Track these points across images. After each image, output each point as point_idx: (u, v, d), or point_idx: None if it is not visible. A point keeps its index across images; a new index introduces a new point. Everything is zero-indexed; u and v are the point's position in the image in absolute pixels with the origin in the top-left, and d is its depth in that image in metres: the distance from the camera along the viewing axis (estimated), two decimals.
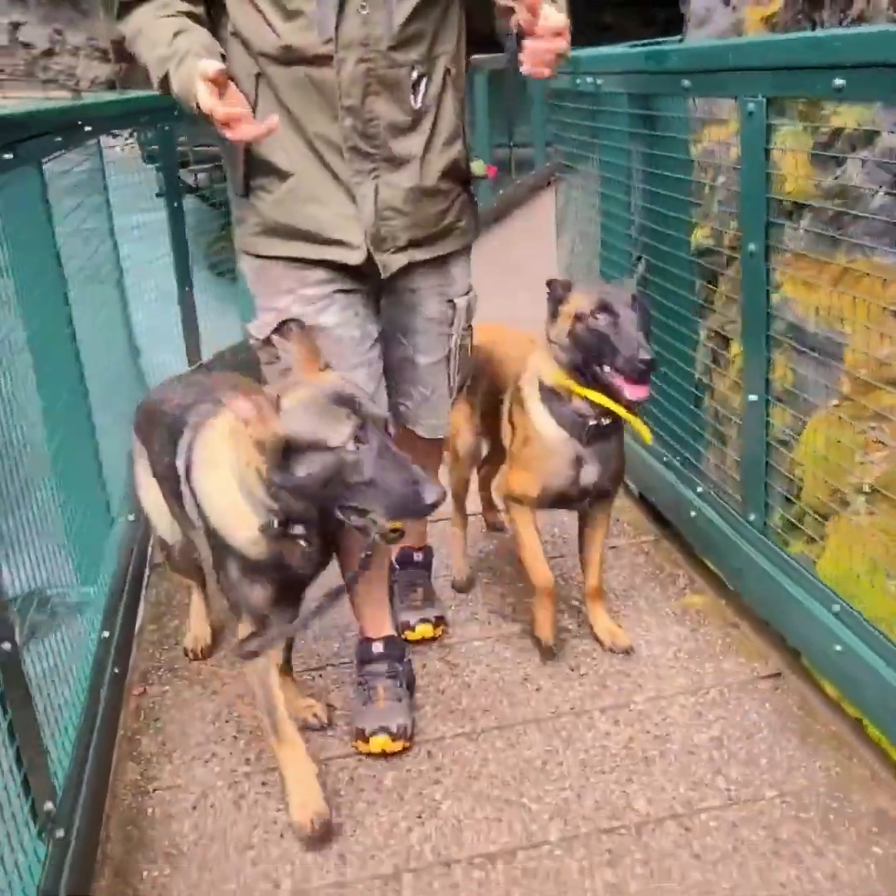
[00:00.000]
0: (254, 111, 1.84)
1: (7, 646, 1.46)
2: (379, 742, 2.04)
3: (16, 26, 45.48)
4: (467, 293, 2.21)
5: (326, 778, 1.98)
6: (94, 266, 3.08)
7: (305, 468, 1.62)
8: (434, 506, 1.63)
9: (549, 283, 2.17)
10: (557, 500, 2.25)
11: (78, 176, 2.93)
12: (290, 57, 1.82)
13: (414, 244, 2.01)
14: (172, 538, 2.30)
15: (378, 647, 2.15)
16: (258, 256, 2.00)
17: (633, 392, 2.03)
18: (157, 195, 6.88)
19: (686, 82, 2.29)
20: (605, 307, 2.05)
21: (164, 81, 1.80)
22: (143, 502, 2.31)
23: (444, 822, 1.85)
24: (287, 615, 1.88)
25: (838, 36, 1.72)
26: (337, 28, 1.79)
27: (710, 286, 3.28)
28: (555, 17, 1.71)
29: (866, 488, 2.54)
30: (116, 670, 2.15)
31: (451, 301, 2.17)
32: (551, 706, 2.14)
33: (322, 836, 1.81)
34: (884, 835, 1.73)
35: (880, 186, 3.26)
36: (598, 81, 2.87)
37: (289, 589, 1.85)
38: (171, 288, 4.03)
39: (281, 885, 1.75)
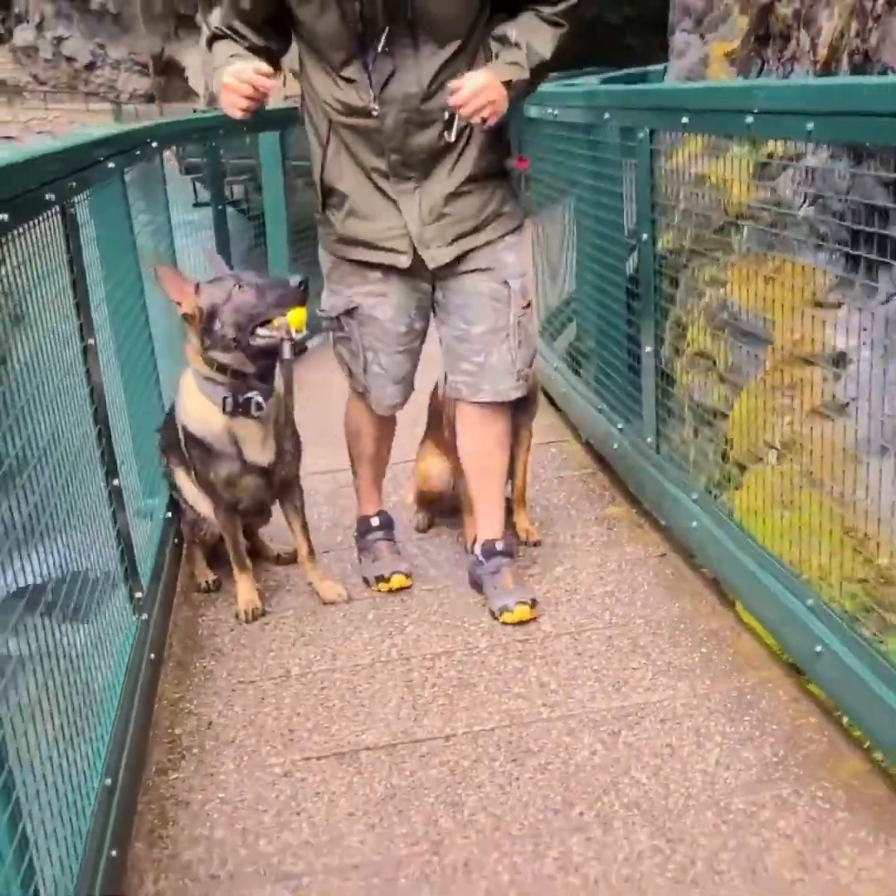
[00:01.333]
0: (326, 148, 2.50)
1: (116, 482, 2.24)
2: (398, 580, 2.82)
3: (59, 40, 46.91)
4: (523, 275, 2.63)
5: (325, 616, 2.75)
6: (158, 255, 3.87)
7: (220, 320, 2.47)
8: (302, 283, 2.46)
9: None
10: None
11: (145, 183, 3.72)
12: (348, 110, 2.45)
13: (462, 236, 2.51)
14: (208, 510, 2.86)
15: (375, 520, 2.93)
16: (334, 255, 2.67)
17: None
18: (195, 205, 7.70)
19: (607, 115, 3.06)
20: None
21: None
22: (190, 500, 2.89)
23: (407, 637, 2.62)
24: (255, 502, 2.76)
25: (683, 89, 2.49)
26: (381, 90, 2.38)
27: (672, 287, 4.00)
28: (470, 82, 2.29)
29: (777, 445, 3.28)
30: (176, 540, 2.94)
31: (505, 282, 2.57)
32: None
33: (253, 617, 2.73)
34: (710, 641, 2.48)
35: (804, 199, 4.03)
36: (555, 112, 3.65)
37: (248, 481, 2.68)
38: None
39: (291, 671, 2.52)
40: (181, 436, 2.69)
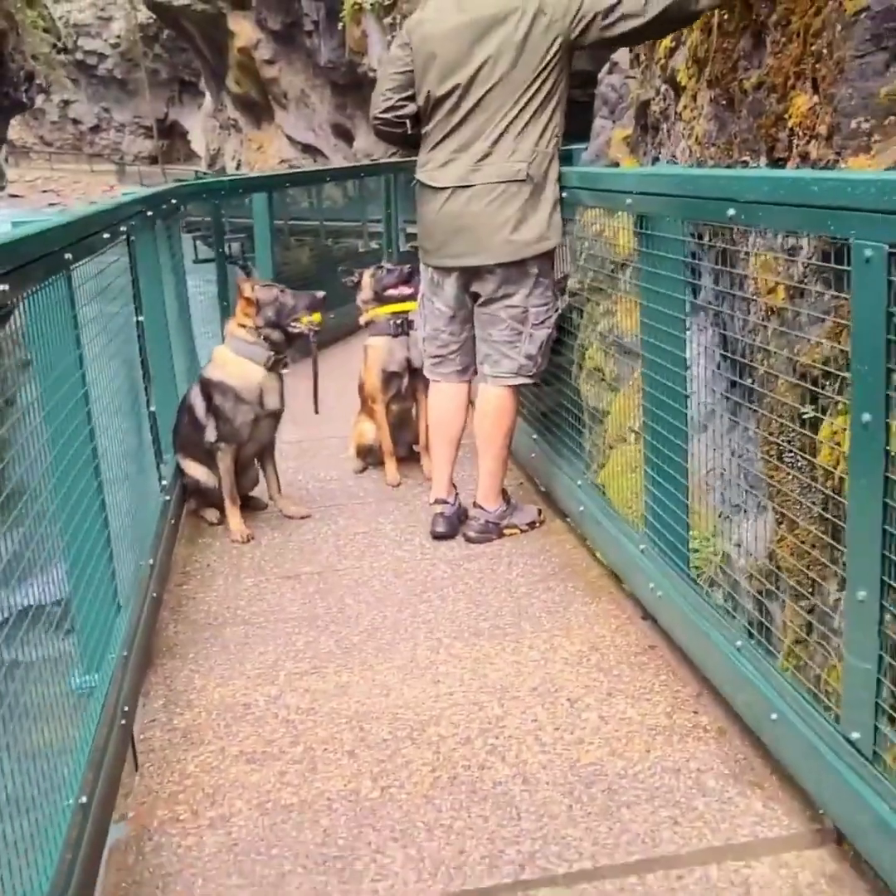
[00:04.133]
0: None
1: (152, 408, 3.58)
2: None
3: (66, 104, 49.05)
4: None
5: (288, 522, 4.06)
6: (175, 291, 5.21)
7: (271, 309, 3.81)
8: (324, 297, 3.85)
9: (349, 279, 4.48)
10: (391, 383, 4.32)
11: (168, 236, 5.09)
12: None
13: None
14: (206, 478, 4.05)
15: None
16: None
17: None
18: (195, 261, 9.06)
19: None
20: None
21: None
22: (194, 475, 4.02)
23: (339, 526, 3.94)
24: (256, 446, 4.01)
25: None
26: None
27: (579, 314, 5.35)
28: None
29: (635, 429, 4.62)
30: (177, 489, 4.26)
31: None
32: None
33: (246, 540, 3.84)
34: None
35: None
36: None
37: (262, 423, 3.96)
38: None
39: (261, 542, 3.84)
40: (212, 393, 3.88)
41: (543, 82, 3.36)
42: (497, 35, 3.34)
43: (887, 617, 1.79)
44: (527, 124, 3.37)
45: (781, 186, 1.95)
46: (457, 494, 3.88)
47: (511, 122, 3.37)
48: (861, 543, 1.81)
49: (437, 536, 3.74)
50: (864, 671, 1.82)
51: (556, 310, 3.74)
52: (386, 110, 3.60)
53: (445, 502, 3.81)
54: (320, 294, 3.95)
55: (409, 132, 3.62)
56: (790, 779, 2.16)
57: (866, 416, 1.73)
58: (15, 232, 2.03)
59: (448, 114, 3.45)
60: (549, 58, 3.33)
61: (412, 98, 3.55)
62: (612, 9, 3.20)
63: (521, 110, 3.36)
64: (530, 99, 3.36)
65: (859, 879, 1.93)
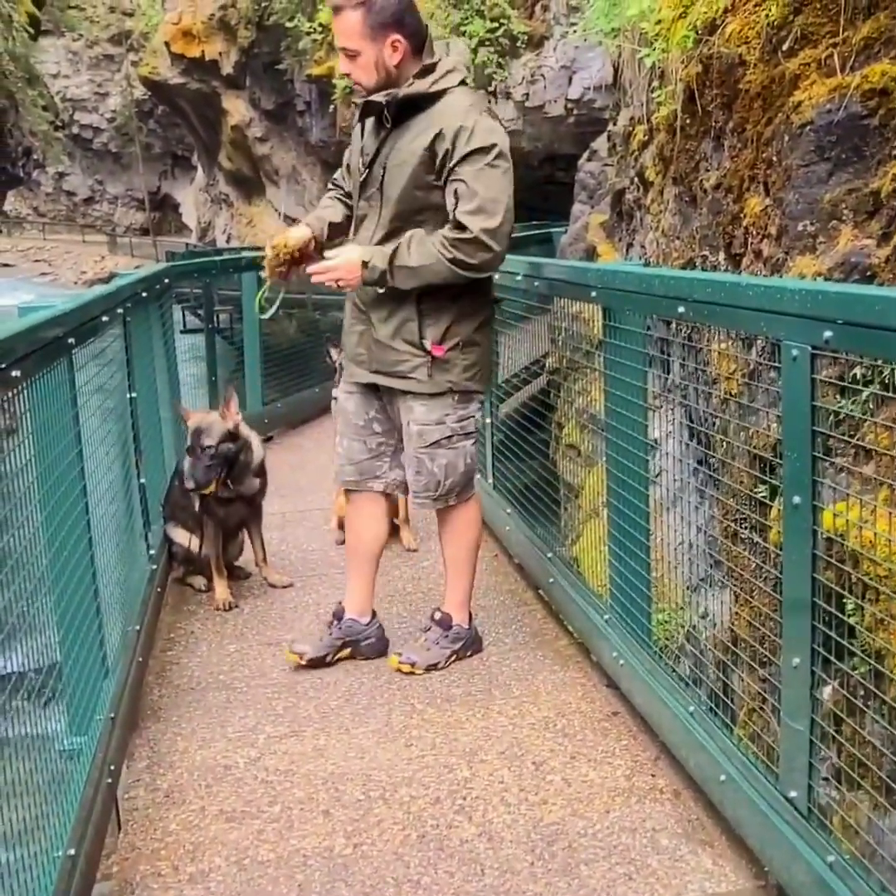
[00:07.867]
0: None
1: (141, 480, 3.74)
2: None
3: (61, 176, 49.88)
4: (423, 424, 3.15)
5: (272, 591, 4.21)
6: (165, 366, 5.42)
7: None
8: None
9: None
10: None
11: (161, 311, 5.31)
12: None
13: (377, 372, 3.17)
14: (195, 545, 4.18)
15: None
16: None
17: None
18: (182, 331, 9.29)
19: None
20: None
21: None
22: (183, 542, 4.17)
23: (319, 595, 4.08)
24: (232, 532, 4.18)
25: None
26: (354, 233, 3.19)
27: (556, 392, 5.58)
28: (335, 260, 2.99)
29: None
30: (163, 557, 4.41)
31: (408, 422, 3.19)
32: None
33: (229, 608, 3.96)
34: (500, 595, 3.95)
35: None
36: None
37: (229, 524, 4.12)
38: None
39: (244, 609, 3.97)
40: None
41: None
42: None
43: (818, 682, 1.96)
44: None
45: (722, 289, 2.16)
46: None
47: None
48: (794, 614, 1.97)
49: None
50: (798, 733, 1.97)
51: None
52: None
53: None
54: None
55: None
56: (737, 837, 2.29)
57: (796, 499, 1.92)
58: (25, 320, 2.21)
59: None
60: None
61: None
62: None
63: None
64: None
65: None
